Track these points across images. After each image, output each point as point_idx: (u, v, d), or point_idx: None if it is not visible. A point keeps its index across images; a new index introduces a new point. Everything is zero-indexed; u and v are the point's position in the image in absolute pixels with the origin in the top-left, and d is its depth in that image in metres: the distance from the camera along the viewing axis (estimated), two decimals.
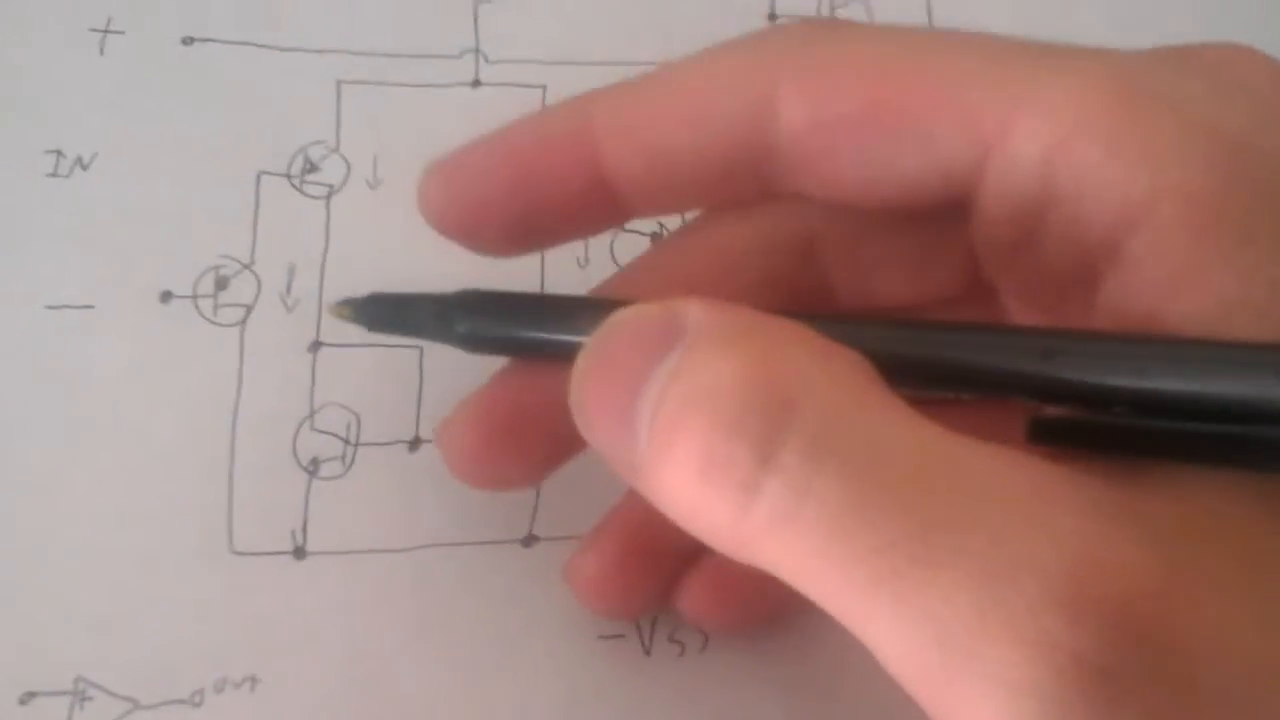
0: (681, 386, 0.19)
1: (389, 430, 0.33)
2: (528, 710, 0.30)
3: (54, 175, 0.34)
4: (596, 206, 0.25)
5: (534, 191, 0.25)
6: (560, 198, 0.25)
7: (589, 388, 0.21)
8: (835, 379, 0.18)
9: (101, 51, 0.36)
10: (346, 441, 0.33)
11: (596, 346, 0.21)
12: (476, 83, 0.37)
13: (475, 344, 0.27)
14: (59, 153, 0.35)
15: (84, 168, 0.35)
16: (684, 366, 0.19)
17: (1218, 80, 0.21)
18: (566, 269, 0.35)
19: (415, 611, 0.31)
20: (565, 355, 0.22)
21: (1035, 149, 0.20)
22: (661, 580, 0.30)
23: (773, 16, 0.39)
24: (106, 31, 0.36)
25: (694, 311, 0.20)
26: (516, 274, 0.34)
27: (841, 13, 0.40)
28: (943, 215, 0.23)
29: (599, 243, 0.35)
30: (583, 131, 0.24)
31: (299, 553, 0.31)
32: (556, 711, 0.31)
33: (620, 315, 0.21)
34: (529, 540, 0.32)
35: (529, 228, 0.26)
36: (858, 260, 0.27)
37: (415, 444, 0.33)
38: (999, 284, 0.25)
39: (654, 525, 0.26)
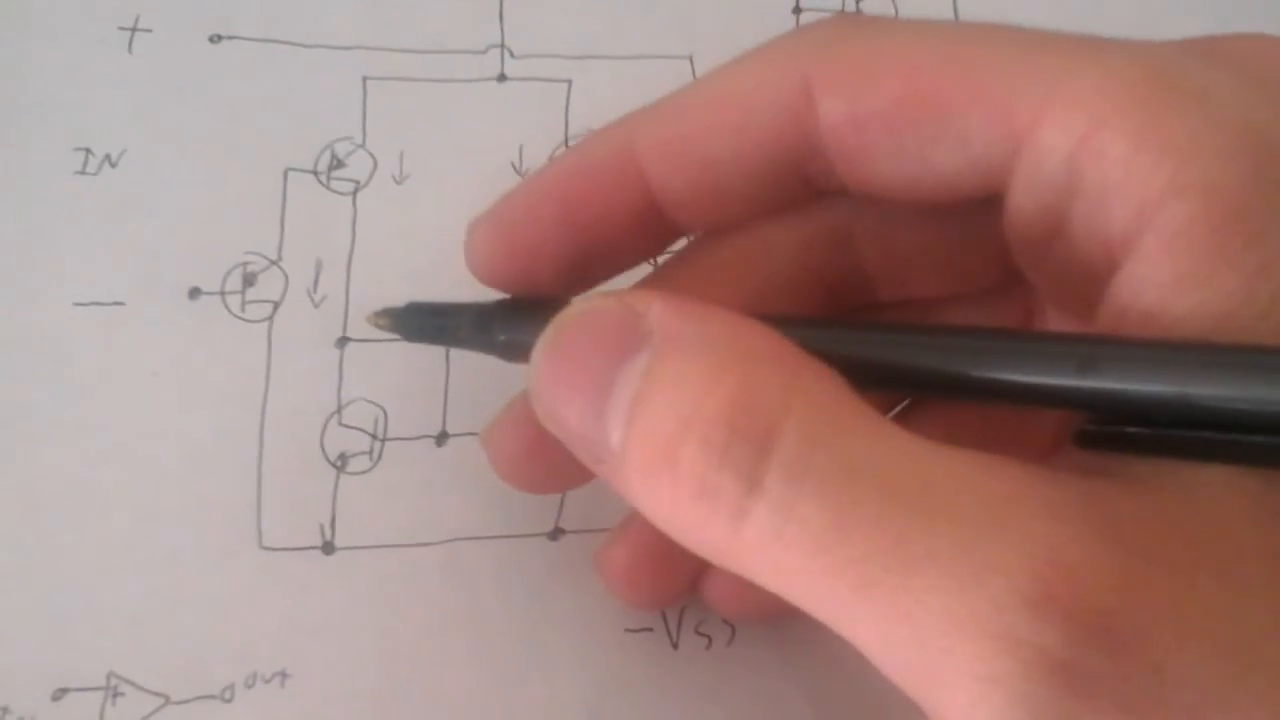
0: (663, 404, 0.19)
1: (416, 425, 0.33)
2: (556, 703, 0.30)
3: (83, 173, 0.34)
4: (648, 230, 0.25)
5: (585, 226, 0.24)
6: (612, 228, 0.25)
7: (550, 380, 0.21)
8: (811, 399, 0.19)
9: (130, 49, 0.36)
10: (374, 436, 0.32)
11: (555, 339, 0.21)
12: (502, 77, 0.37)
13: (515, 353, 0.26)
14: (88, 150, 0.34)
15: (112, 165, 0.34)
16: (659, 376, 0.19)
17: (1245, 72, 0.20)
18: None
19: (443, 605, 0.31)
20: None
21: (1064, 141, 0.20)
22: (689, 571, 0.29)
23: (798, 11, 0.39)
24: (135, 29, 0.36)
25: (656, 311, 0.20)
26: None
27: (866, 6, 0.40)
28: (976, 209, 0.23)
29: None
30: (625, 157, 0.24)
31: (327, 548, 0.31)
32: (584, 704, 0.30)
33: (577, 309, 0.21)
34: (555, 533, 0.32)
35: (583, 264, 0.25)
36: (894, 253, 0.27)
37: (442, 438, 0.32)
38: (1032, 277, 0.24)
39: None
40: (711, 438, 0.18)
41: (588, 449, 0.21)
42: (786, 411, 0.18)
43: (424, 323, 0.28)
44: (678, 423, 0.19)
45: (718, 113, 0.23)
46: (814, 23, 0.23)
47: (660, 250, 0.27)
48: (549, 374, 0.21)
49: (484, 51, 0.37)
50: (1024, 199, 0.21)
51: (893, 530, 0.17)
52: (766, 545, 0.18)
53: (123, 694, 0.29)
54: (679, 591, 0.30)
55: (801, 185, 0.24)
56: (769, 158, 0.23)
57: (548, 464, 0.27)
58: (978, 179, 0.22)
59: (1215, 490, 0.18)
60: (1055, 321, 0.26)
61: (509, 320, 0.26)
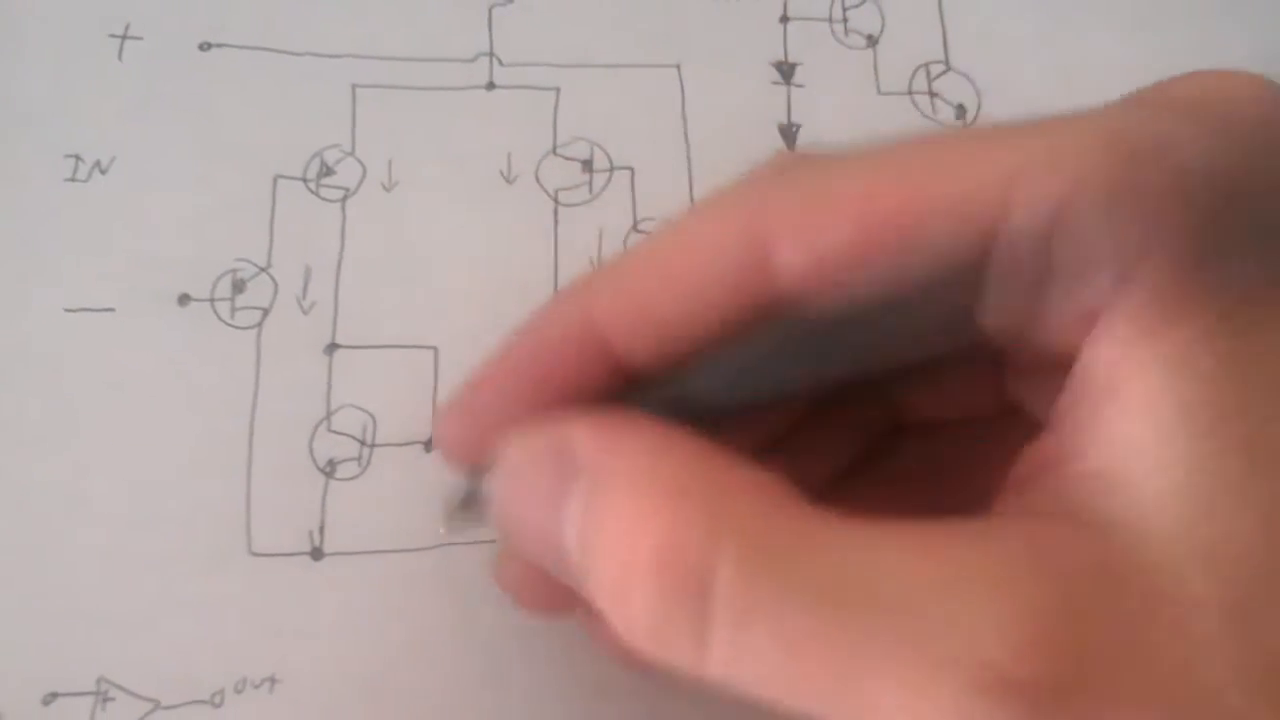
0: (605, 547, 0.20)
1: (405, 431, 0.32)
2: (546, 708, 0.30)
3: (73, 180, 0.34)
4: (615, 384, 0.24)
5: (553, 401, 0.24)
6: (580, 395, 0.24)
7: (508, 509, 0.22)
8: (741, 527, 0.19)
9: (120, 57, 0.36)
10: (363, 443, 0.32)
11: (506, 473, 0.22)
12: (491, 85, 0.37)
13: None
14: (78, 157, 0.34)
15: (102, 172, 0.34)
16: (596, 517, 0.20)
17: (1203, 117, 0.20)
18: (580, 270, 0.34)
19: (432, 610, 0.31)
20: None
21: (1034, 224, 0.19)
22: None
23: (785, 19, 0.39)
24: (125, 37, 0.36)
25: (582, 443, 0.21)
26: (530, 276, 0.34)
27: (853, 14, 0.39)
28: (959, 322, 0.22)
29: (613, 243, 0.35)
30: (586, 329, 0.24)
31: (316, 554, 0.31)
32: (575, 709, 0.30)
33: (516, 446, 0.22)
34: None
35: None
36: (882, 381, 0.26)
37: (431, 444, 0.32)
38: (1024, 399, 0.24)
39: None
40: (651, 587, 0.19)
41: (552, 565, 0.22)
42: (717, 549, 0.18)
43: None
44: (621, 568, 0.19)
45: (673, 275, 0.23)
46: (758, 169, 0.23)
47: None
48: (504, 514, 0.23)
49: (473, 59, 0.37)
50: (1002, 292, 0.21)
51: (845, 643, 0.17)
52: (729, 673, 0.19)
53: (113, 699, 0.29)
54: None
55: (765, 318, 0.23)
56: (728, 310, 0.22)
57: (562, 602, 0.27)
58: (955, 285, 0.21)
59: (1165, 534, 0.18)
60: None
61: None
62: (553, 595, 0.27)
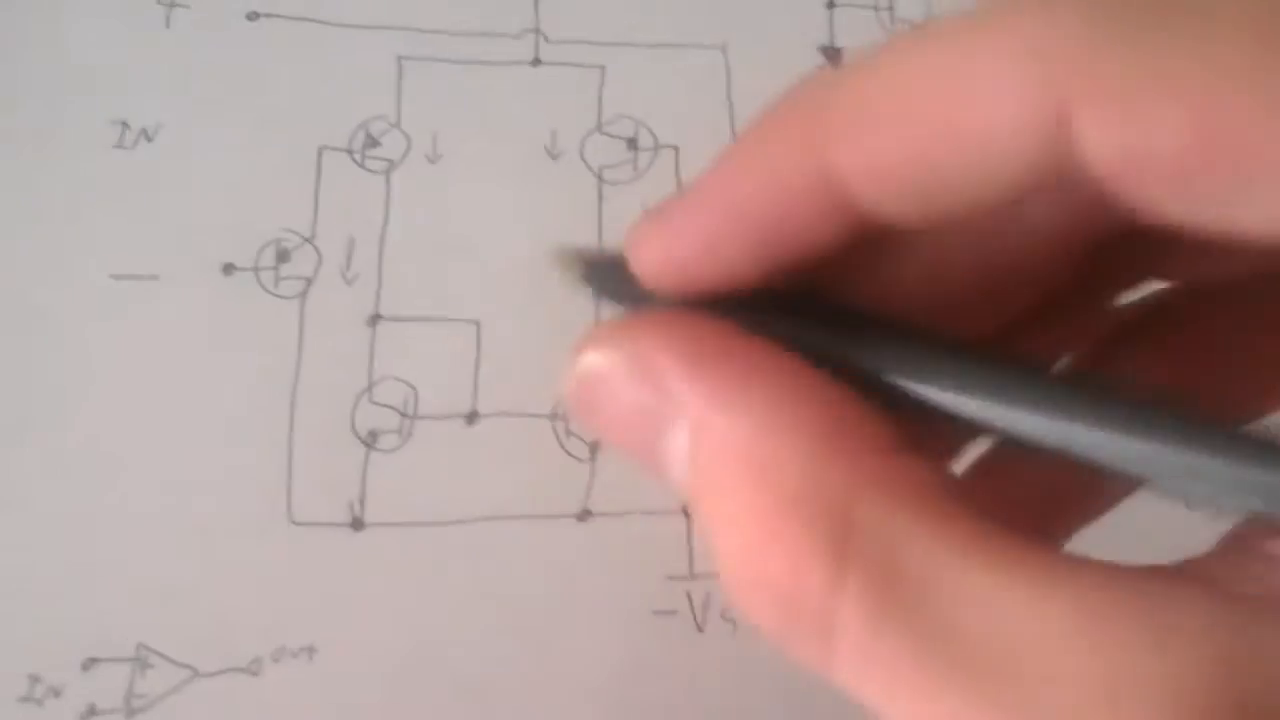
0: (717, 530, 0.17)
1: (446, 404, 0.32)
2: (581, 683, 0.30)
3: (119, 147, 0.34)
4: (843, 244, 0.19)
5: (776, 253, 0.19)
6: (806, 249, 0.19)
7: (601, 433, 0.18)
8: (873, 552, 0.16)
9: (167, 24, 0.35)
10: (404, 414, 0.32)
11: (581, 396, 0.18)
12: (536, 61, 0.37)
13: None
14: (124, 124, 0.34)
15: (149, 140, 0.34)
16: (702, 477, 0.17)
17: None
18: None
19: (470, 583, 0.30)
20: None
21: None
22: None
23: (831, 4, 0.38)
24: (173, 5, 0.36)
25: (679, 383, 0.17)
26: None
27: (899, 1, 0.39)
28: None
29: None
30: (822, 176, 0.18)
31: (356, 524, 0.31)
32: (610, 685, 0.30)
33: (600, 351, 0.18)
34: (584, 515, 0.32)
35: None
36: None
37: (472, 417, 0.32)
38: None
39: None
40: (768, 609, 0.16)
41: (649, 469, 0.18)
42: (841, 585, 0.16)
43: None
44: (734, 577, 0.17)
45: (944, 137, 0.17)
46: (1055, 10, 0.16)
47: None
48: (595, 427, 0.19)
49: (518, 35, 0.37)
50: None
51: (987, 699, 0.15)
52: (855, 678, 0.16)
53: (152, 665, 0.29)
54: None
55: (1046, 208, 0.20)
56: (1008, 187, 0.17)
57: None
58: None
59: None
60: None
61: None
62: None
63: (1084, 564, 0.15)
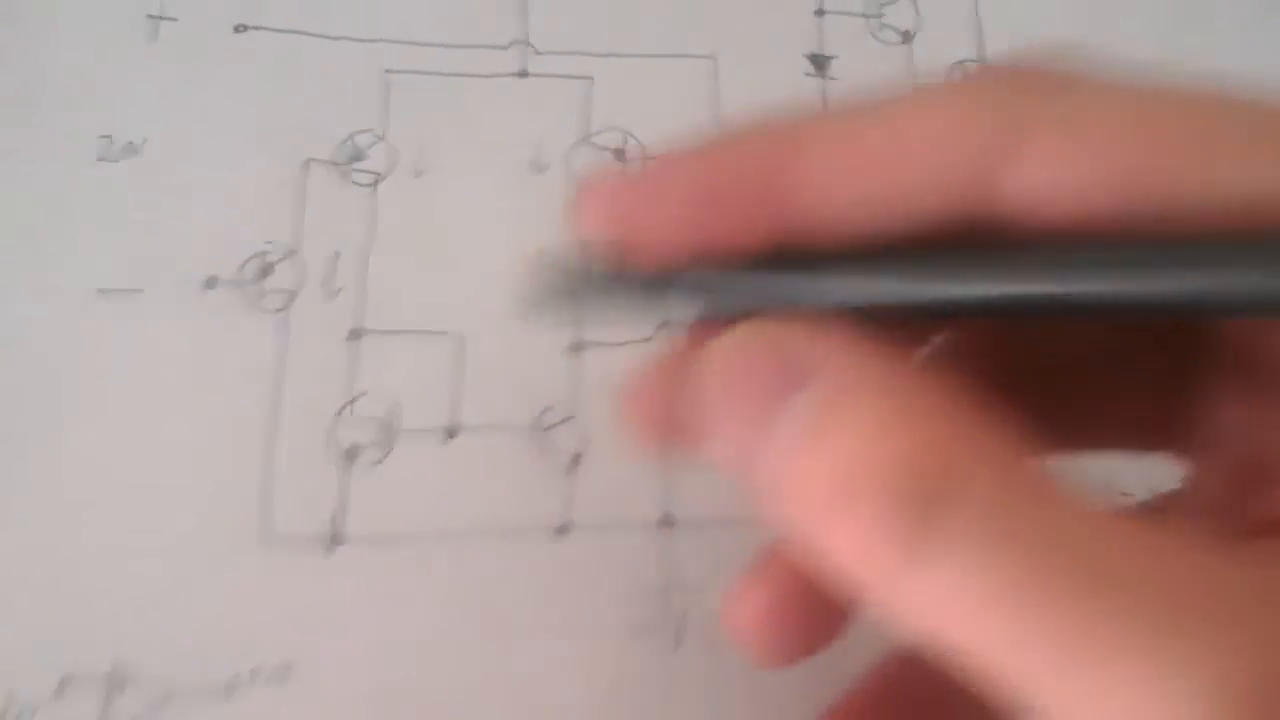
0: (838, 444, 0.18)
1: (428, 418, 0.31)
2: (560, 701, 0.29)
3: (104, 160, 0.33)
4: (767, 233, 0.21)
5: (708, 229, 0.21)
6: (737, 226, 0.21)
7: (710, 405, 0.20)
8: (994, 461, 0.17)
9: (155, 37, 0.35)
10: (385, 429, 0.31)
11: (715, 367, 0.19)
12: (524, 73, 0.36)
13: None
14: (110, 138, 0.33)
15: (135, 153, 0.33)
16: (834, 415, 0.18)
17: None
18: None
19: (450, 599, 0.30)
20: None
21: None
22: (832, 620, 0.25)
23: (820, 12, 0.37)
24: (160, 18, 0.35)
25: (821, 352, 0.19)
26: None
27: (888, 10, 0.38)
28: None
29: None
30: (780, 171, 0.20)
31: (336, 539, 0.30)
32: (588, 702, 0.29)
33: (735, 338, 0.19)
34: (563, 529, 0.31)
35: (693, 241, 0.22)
36: None
37: (452, 431, 0.31)
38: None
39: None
40: (892, 484, 0.17)
41: (740, 469, 0.19)
42: (969, 471, 0.17)
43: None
44: (849, 475, 0.17)
45: (906, 154, 0.20)
46: (1002, 73, 0.20)
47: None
48: (709, 399, 0.20)
49: (506, 47, 0.36)
50: None
51: (1082, 610, 0.16)
52: (942, 603, 0.17)
53: (128, 684, 0.28)
54: (819, 642, 0.26)
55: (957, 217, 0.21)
56: (940, 199, 0.20)
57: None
58: None
59: None
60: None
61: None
62: (672, 427, 0.23)
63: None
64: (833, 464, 0.17)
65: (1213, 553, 0.16)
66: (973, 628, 0.16)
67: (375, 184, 0.34)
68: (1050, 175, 0.18)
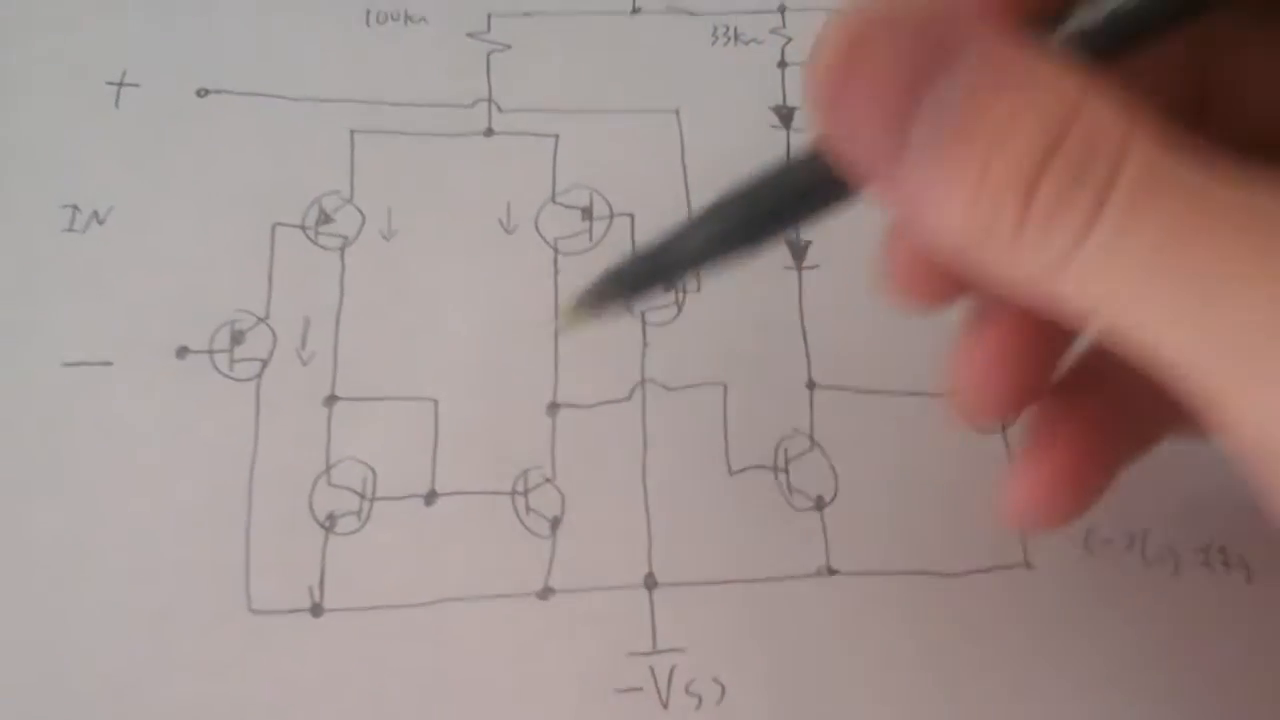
0: (995, 116, 0.17)
1: (404, 484, 0.31)
2: None
3: (70, 230, 0.33)
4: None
5: None
6: None
7: (841, 89, 0.18)
8: (1149, 132, 0.17)
9: (117, 104, 0.34)
10: (362, 496, 0.31)
11: (850, 46, 0.18)
12: (490, 132, 0.36)
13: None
14: (75, 207, 0.33)
15: (100, 222, 0.33)
16: (989, 88, 0.17)
17: None
18: None
19: (432, 666, 0.29)
20: None
21: None
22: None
23: (783, 64, 0.38)
24: (122, 84, 0.35)
25: (969, 27, 0.17)
26: (530, 327, 0.33)
27: None
28: None
29: None
30: None
31: (316, 610, 0.29)
32: None
33: (875, 13, 0.18)
34: (545, 593, 0.30)
35: None
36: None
37: (431, 497, 0.31)
38: None
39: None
40: (1049, 160, 0.16)
41: (872, 159, 0.18)
42: (1128, 140, 0.16)
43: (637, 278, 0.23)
44: (1008, 133, 0.17)
45: None
46: None
47: None
48: (840, 82, 0.18)
49: (471, 105, 0.36)
50: None
51: (1229, 249, 0.16)
52: (1095, 277, 0.17)
53: None
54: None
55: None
56: None
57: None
58: None
59: None
60: None
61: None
62: (935, 281, 0.24)
63: None
64: (985, 136, 0.17)
65: None
66: (1119, 307, 0.17)
67: (343, 248, 0.33)
68: None
